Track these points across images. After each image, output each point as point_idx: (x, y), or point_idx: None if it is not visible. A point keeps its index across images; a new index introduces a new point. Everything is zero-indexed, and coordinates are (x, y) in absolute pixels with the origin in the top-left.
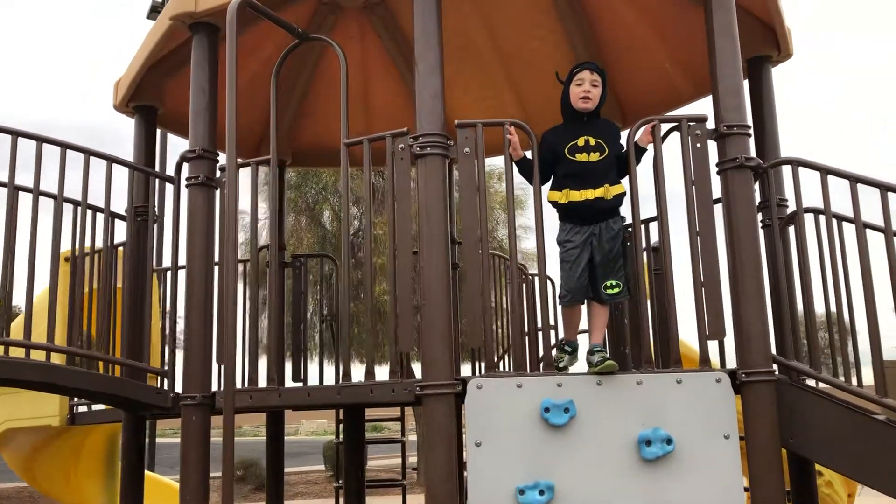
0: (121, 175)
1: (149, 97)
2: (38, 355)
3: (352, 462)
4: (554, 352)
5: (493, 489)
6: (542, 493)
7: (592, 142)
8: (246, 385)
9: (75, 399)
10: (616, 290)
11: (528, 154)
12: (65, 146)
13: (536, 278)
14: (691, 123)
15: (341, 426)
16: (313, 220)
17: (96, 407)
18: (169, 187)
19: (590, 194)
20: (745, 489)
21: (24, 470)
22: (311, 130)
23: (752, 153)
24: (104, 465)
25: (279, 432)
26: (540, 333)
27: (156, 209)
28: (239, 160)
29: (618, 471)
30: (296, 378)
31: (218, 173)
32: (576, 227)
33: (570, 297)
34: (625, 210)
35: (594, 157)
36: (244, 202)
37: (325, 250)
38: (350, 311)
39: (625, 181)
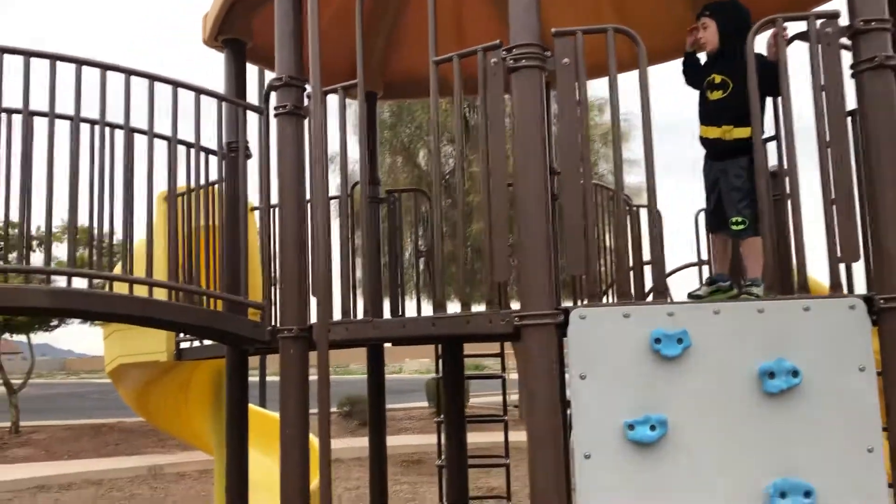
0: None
1: (237, 30)
2: (141, 292)
3: (452, 398)
4: None
5: (599, 424)
6: (653, 427)
7: (718, 79)
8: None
9: (181, 335)
10: (740, 226)
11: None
12: (153, 78)
13: (642, 210)
14: (821, 21)
15: (440, 362)
16: (408, 159)
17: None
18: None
19: (710, 133)
20: (883, 428)
21: (138, 404)
22: (403, 61)
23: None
24: (211, 399)
25: (379, 368)
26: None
27: (248, 143)
28: (325, 88)
29: (737, 405)
30: (393, 315)
31: (306, 101)
32: (707, 161)
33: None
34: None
35: (716, 95)
36: (334, 136)
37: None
38: (443, 247)
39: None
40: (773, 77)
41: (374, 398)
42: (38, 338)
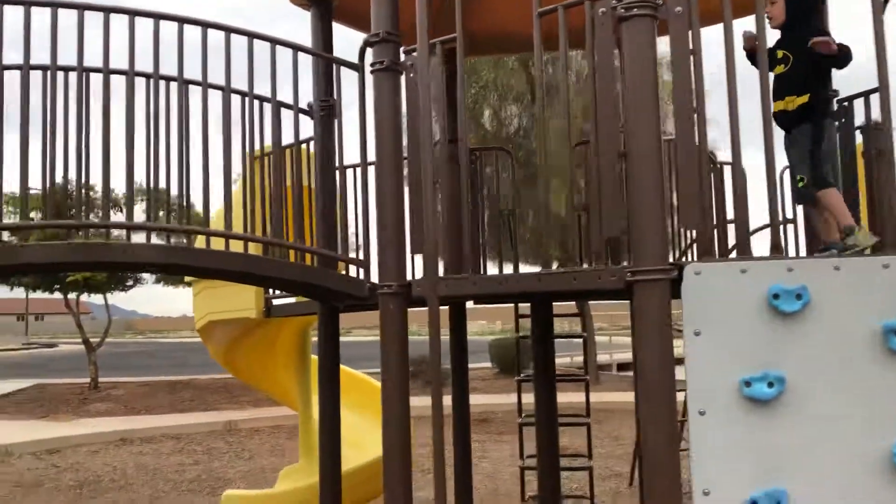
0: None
1: None
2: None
3: (541, 357)
4: None
5: (714, 381)
6: (770, 384)
7: (780, 54)
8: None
9: (271, 292)
10: (801, 183)
11: None
12: (252, 35)
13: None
14: None
15: (517, 321)
16: (473, 119)
17: (290, 300)
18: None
19: (777, 106)
20: None
21: (226, 360)
22: (484, 15)
23: None
24: (297, 356)
25: (462, 327)
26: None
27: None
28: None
29: (859, 362)
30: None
31: (402, 57)
32: (784, 137)
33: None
34: None
35: (779, 69)
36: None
37: None
38: (547, 205)
39: None
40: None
41: (456, 358)
42: (100, 299)
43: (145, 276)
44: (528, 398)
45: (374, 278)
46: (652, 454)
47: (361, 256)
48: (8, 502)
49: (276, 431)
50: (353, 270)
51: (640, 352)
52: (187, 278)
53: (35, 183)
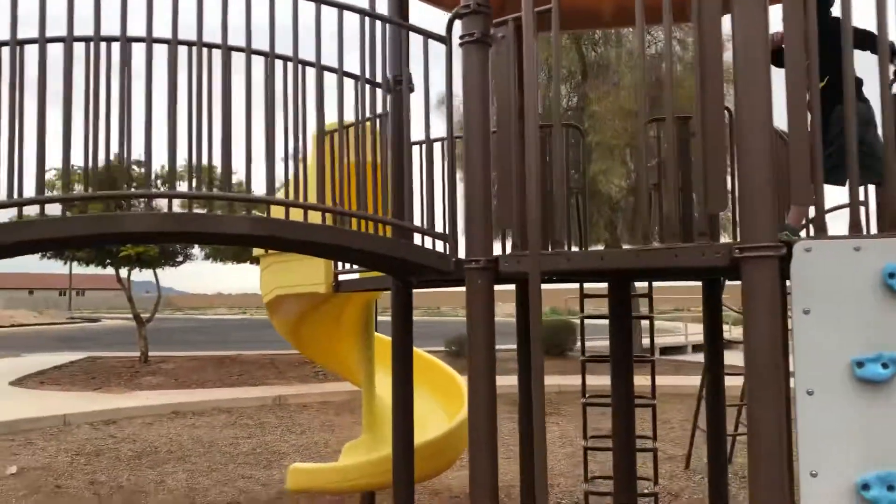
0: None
1: None
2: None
3: (619, 338)
4: None
5: (824, 360)
6: (885, 366)
7: None
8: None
9: (340, 267)
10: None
11: None
12: (320, 1)
13: None
14: None
15: (582, 302)
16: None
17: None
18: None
19: None
20: None
21: (292, 335)
22: None
23: None
24: (361, 332)
25: (525, 309)
26: None
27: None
28: (511, 15)
29: None
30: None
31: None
32: None
33: None
34: None
35: None
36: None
37: None
38: (646, 182)
39: None
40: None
41: (524, 337)
42: (143, 275)
43: (195, 251)
44: (557, 380)
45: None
46: (760, 438)
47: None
48: (73, 470)
49: (325, 407)
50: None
51: (748, 331)
52: (256, 252)
53: (79, 159)
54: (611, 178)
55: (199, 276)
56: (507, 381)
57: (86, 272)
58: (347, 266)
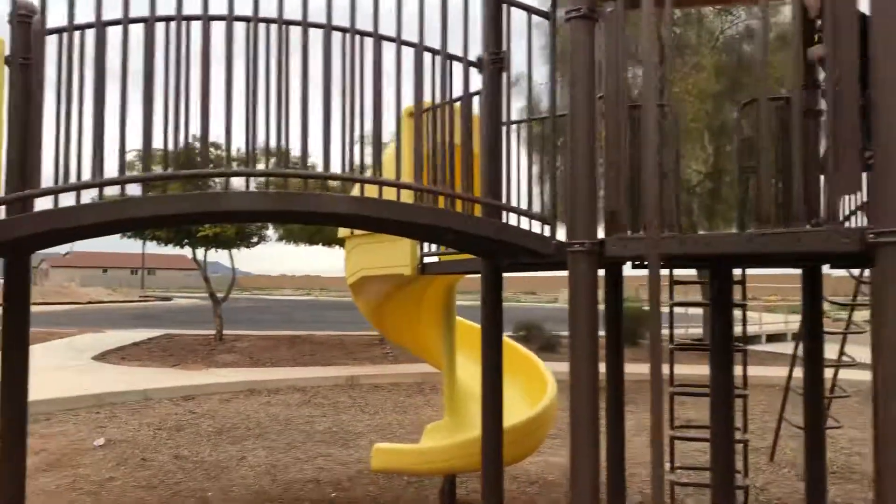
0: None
1: None
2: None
3: (720, 326)
4: None
5: None
6: None
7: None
8: (629, 234)
9: (426, 249)
10: None
11: None
12: None
13: None
14: None
15: (672, 287)
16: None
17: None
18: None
19: None
20: None
21: (374, 316)
22: None
23: None
24: (443, 315)
25: (618, 291)
26: None
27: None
28: None
29: None
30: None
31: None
32: None
33: None
34: None
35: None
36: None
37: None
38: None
39: None
40: None
41: (611, 322)
42: (210, 256)
43: (269, 232)
44: (630, 368)
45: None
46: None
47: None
48: (156, 444)
49: (396, 388)
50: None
51: (881, 325)
52: (341, 233)
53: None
54: (688, 162)
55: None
56: (562, 367)
57: (156, 252)
58: (433, 248)
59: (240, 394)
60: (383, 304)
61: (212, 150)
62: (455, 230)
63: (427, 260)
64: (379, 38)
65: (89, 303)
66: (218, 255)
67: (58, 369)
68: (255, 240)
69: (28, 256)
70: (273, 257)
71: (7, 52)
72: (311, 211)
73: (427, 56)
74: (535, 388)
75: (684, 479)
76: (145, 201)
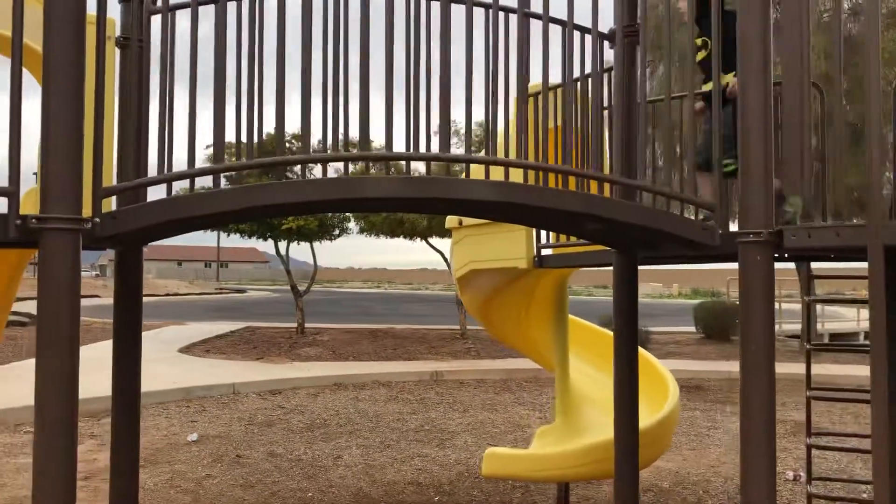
0: None
1: None
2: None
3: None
4: None
5: None
6: None
7: (699, 42)
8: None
9: (543, 241)
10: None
11: None
12: None
13: None
14: None
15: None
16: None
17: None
18: None
19: (705, 88)
20: None
21: (481, 312)
22: None
23: None
24: (554, 312)
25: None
26: None
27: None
28: None
29: None
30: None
31: None
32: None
33: None
34: None
35: (701, 55)
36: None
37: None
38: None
39: None
40: None
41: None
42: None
43: (351, 225)
44: (724, 366)
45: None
46: None
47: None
48: (249, 440)
49: (482, 385)
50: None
51: None
52: (448, 224)
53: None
54: None
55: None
56: (671, 366)
57: (227, 245)
58: (549, 239)
59: (325, 388)
60: (491, 300)
61: (291, 142)
62: (603, 219)
63: (545, 252)
64: (524, 14)
65: (167, 295)
66: (288, 249)
67: (146, 362)
68: (336, 232)
69: (141, 248)
70: (339, 250)
71: (117, 32)
72: (454, 198)
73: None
74: (655, 387)
75: (820, 491)
76: (280, 188)
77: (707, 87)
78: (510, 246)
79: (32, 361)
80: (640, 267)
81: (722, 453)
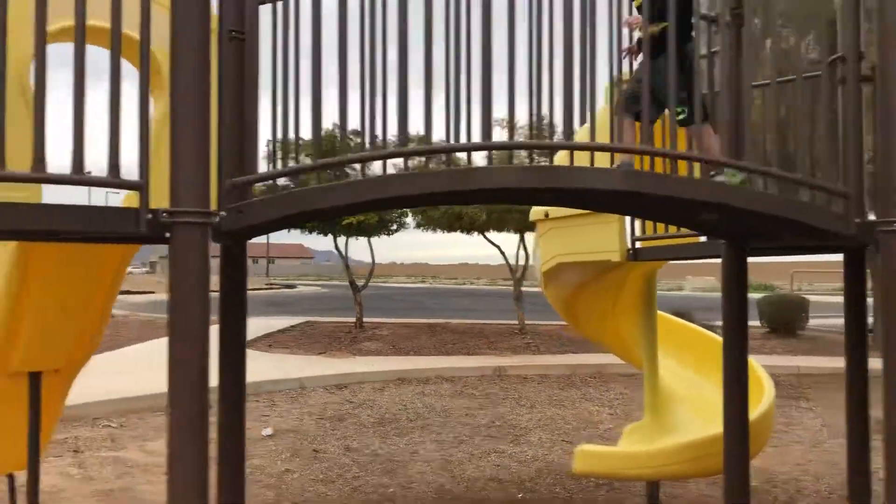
0: None
1: None
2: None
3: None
4: None
5: None
6: None
7: None
8: None
9: (638, 232)
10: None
11: None
12: None
13: None
14: None
15: None
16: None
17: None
18: None
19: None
20: None
21: (565, 307)
22: None
23: None
24: (642, 305)
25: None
26: None
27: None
28: None
29: None
30: None
31: None
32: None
33: None
34: None
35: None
36: None
37: None
38: None
39: None
40: None
41: (853, 313)
42: (324, 244)
43: (408, 220)
44: (789, 360)
45: None
46: None
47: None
48: (323, 434)
49: (545, 380)
50: None
51: None
52: (533, 216)
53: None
54: None
55: (375, 246)
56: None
57: (275, 242)
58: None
59: (390, 383)
60: (578, 294)
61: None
62: (721, 207)
63: (639, 245)
64: None
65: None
66: (330, 244)
67: (213, 357)
68: (394, 227)
69: (245, 243)
70: (380, 245)
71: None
72: (575, 188)
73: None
74: (751, 383)
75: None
76: (397, 180)
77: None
78: (602, 238)
79: (108, 355)
80: (691, 261)
81: (805, 451)
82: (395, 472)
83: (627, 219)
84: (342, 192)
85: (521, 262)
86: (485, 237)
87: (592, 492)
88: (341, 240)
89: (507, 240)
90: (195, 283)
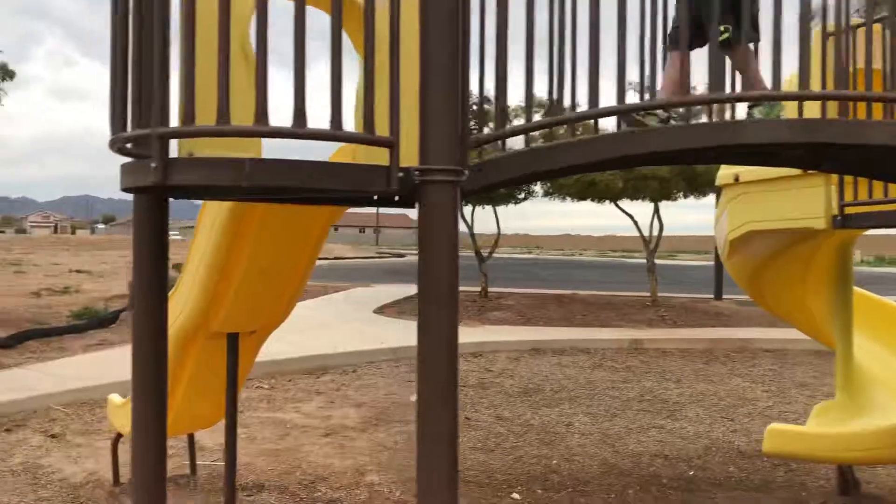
0: None
1: None
2: None
3: None
4: None
5: None
6: None
7: None
8: None
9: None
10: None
11: None
12: None
13: None
14: None
15: None
16: None
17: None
18: None
19: None
20: None
21: (750, 279)
22: None
23: None
24: (837, 278)
25: None
26: None
27: None
28: None
29: None
30: None
31: None
32: None
33: None
34: None
35: None
36: None
37: None
38: None
39: None
40: None
41: None
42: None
43: (536, 188)
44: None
45: None
46: None
47: None
48: (471, 402)
49: (687, 354)
50: None
51: None
52: (720, 180)
53: None
54: None
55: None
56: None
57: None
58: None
59: (524, 352)
60: (766, 265)
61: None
62: None
63: (849, 210)
64: None
65: (336, 258)
66: (473, 214)
67: (347, 321)
68: (521, 196)
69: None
70: (486, 215)
71: None
72: (847, 143)
73: None
74: None
75: None
76: (653, 136)
77: None
78: (805, 203)
79: None
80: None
81: None
82: (554, 444)
83: (834, 181)
84: (578, 151)
85: (655, 232)
86: (617, 206)
87: (770, 472)
88: (467, 209)
89: (639, 209)
90: (447, 243)
